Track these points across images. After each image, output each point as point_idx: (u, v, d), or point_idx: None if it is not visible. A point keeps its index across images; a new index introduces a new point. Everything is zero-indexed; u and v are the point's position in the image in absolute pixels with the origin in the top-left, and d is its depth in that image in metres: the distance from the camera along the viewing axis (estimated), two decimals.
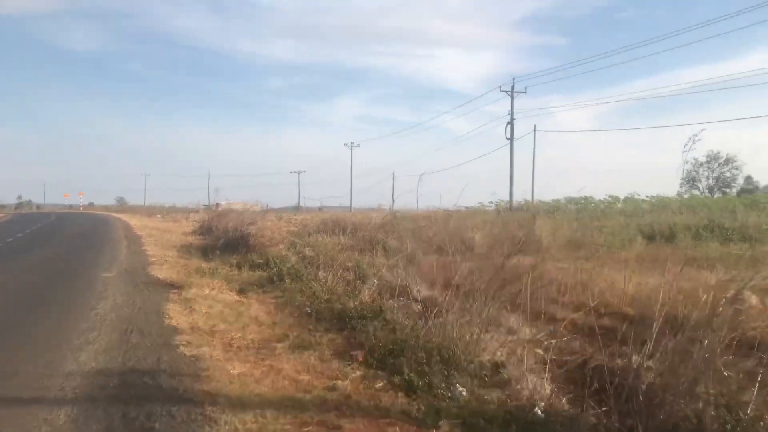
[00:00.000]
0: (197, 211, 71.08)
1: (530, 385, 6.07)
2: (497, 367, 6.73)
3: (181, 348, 7.00)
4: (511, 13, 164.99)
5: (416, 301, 11.92)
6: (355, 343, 7.84)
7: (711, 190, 71.77)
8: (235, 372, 6.09)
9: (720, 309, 5.49)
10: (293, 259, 17.55)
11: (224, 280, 13.19)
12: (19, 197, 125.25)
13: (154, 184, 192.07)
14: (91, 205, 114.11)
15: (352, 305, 10.00)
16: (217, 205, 78.32)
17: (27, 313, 9.11)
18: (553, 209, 39.71)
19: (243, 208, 46.86)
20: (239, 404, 5.09)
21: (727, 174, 74.14)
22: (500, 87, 46.54)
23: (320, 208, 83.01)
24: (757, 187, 66.92)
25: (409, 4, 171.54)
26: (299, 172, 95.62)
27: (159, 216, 59.33)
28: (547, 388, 6.03)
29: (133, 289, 11.59)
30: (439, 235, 22.95)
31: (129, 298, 10.55)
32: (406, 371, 6.28)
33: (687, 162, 64.28)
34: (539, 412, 5.32)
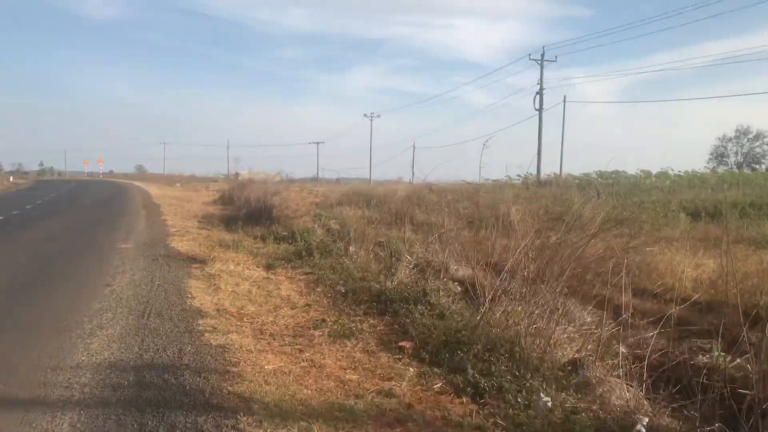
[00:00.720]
0: (216, 181, 70.62)
1: (619, 391, 5.10)
2: (574, 366, 5.76)
3: (206, 335, 6.11)
4: None
5: (458, 281, 11.00)
6: (399, 331, 6.92)
7: (740, 165, 69.62)
8: (270, 368, 5.18)
9: None
10: (319, 232, 16.69)
11: (249, 253, 12.33)
12: (41, 164, 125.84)
13: (173, 153, 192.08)
14: (111, 172, 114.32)
15: (390, 285, 9.07)
16: (237, 174, 77.76)
17: (36, 290, 8.28)
18: (584, 183, 38.37)
19: (263, 178, 46.13)
20: (279, 414, 4.16)
21: (757, 149, 71.94)
22: (529, 56, 44.75)
23: (338, 180, 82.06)
24: None
25: None
26: (318, 143, 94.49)
27: (178, 185, 58.80)
28: (640, 395, 5.06)
29: (152, 262, 10.74)
30: (470, 209, 21.99)
31: (147, 273, 9.70)
32: (471, 371, 5.33)
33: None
34: (643, 429, 4.34)
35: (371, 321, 7.25)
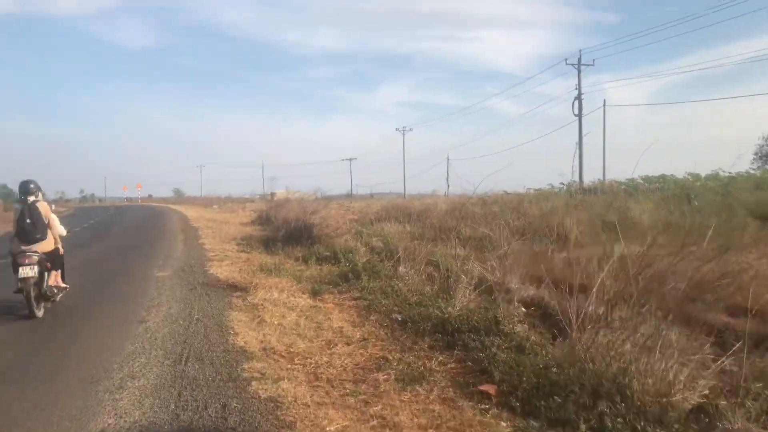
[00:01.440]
0: (253, 201, 70.64)
1: None
2: (702, 413, 4.67)
3: (254, 384, 5.18)
4: None
5: (521, 303, 9.97)
6: (475, 370, 5.91)
7: None
8: (333, 429, 4.23)
9: None
10: (362, 250, 15.80)
11: (292, 278, 11.46)
12: (81, 191, 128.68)
13: (209, 176, 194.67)
14: (149, 197, 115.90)
15: (453, 312, 8.07)
16: (272, 194, 77.74)
17: (63, 330, 7.51)
18: (630, 189, 36.74)
19: (299, 197, 45.63)
20: None
21: None
22: (566, 60, 43.51)
23: (371, 195, 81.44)
24: None
25: None
26: (351, 159, 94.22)
27: (215, 207, 58.80)
28: None
29: (189, 292, 9.94)
30: (519, 221, 20.85)
31: (185, 305, 8.88)
32: (582, 426, 4.29)
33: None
34: None
35: (440, 357, 6.25)
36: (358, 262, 12.96)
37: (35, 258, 8.10)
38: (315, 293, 9.90)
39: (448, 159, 77.56)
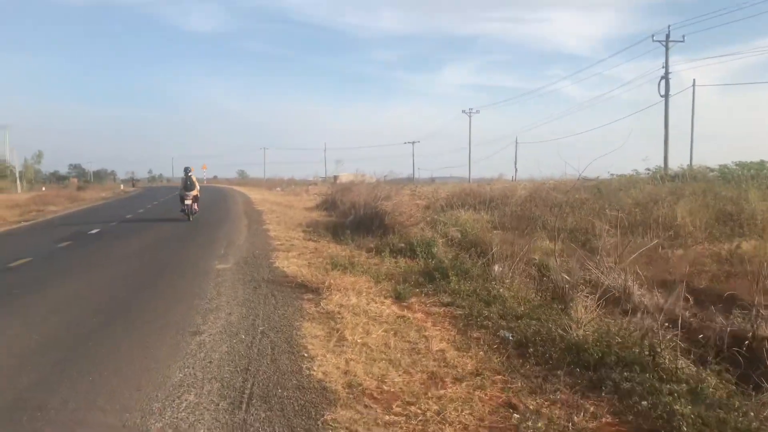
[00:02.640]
0: (315, 184, 69.81)
1: None
2: None
3: None
4: None
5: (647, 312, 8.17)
6: (644, 429, 4.18)
7: None
8: None
9: None
10: (440, 242, 14.13)
11: (368, 275, 9.92)
12: (150, 171, 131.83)
13: (272, 158, 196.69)
14: (214, 178, 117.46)
15: (580, 332, 6.34)
16: (335, 177, 76.82)
17: (102, 343, 6.16)
18: (726, 175, 33.52)
19: (360, 180, 44.17)
20: None
21: None
22: (653, 37, 40.16)
23: (432, 179, 79.34)
24: None
25: None
26: (413, 143, 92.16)
27: (279, 189, 58.26)
28: None
29: (253, 292, 8.51)
30: (611, 210, 18.64)
31: (248, 310, 7.43)
32: None
33: None
34: None
35: (590, 407, 4.52)
36: (444, 258, 11.30)
37: (190, 196, 20.13)
38: (399, 297, 8.30)
39: (516, 142, 74.57)
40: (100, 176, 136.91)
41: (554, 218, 17.50)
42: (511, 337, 6.58)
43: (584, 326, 6.65)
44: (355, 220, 18.77)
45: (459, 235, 15.54)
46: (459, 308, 8.02)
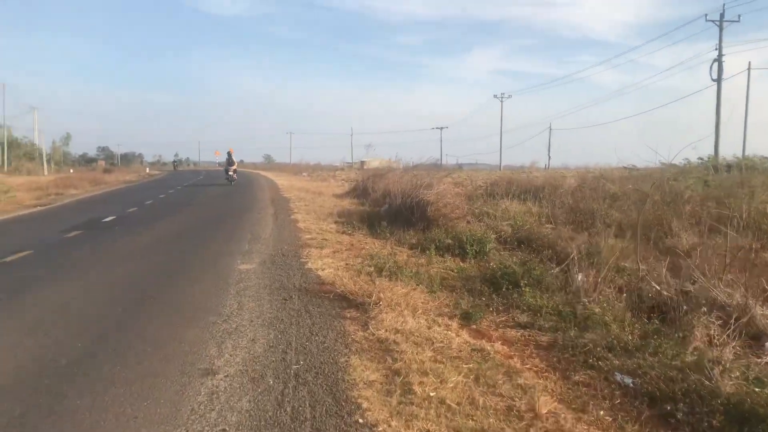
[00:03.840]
0: (342, 169, 68.11)
1: None
2: None
3: None
4: None
5: None
6: None
7: None
8: None
9: None
10: (491, 237, 12.34)
11: (417, 280, 8.21)
12: (176, 155, 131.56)
13: (298, 142, 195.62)
14: (241, 162, 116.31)
15: (730, 384, 4.57)
16: (362, 162, 75.02)
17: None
18: None
19: (385, 165, 42.41)
20: None
21: None
22: (706, 16, 37.50)
23: (460, 166, 77.08)
24: None
25: None
26: (441, 128, 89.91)
27: (305, 174, 56.70)
28: None
29: (282, 306, 6.81)
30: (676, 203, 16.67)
31: (277, 335, 5.73)
32: None
33: None
34: None
35: None
36: (505, 260, 9.52)
37: (231, 170, 35.63)
38: (466, 317, 6.55)
39: (550, 129, 72.01)
40: (127, 159, 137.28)
41: (616, 212, 15.54)
42: (630, 383, 4.82)
43: (728, 370, 4.87)
44: (391, 210, 17.03)
45: (509, 229, 13.71)
46: (543, 332, 6.27)
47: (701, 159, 33.88)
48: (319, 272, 8.64)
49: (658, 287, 8.15)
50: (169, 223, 15.60)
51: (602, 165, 36.33)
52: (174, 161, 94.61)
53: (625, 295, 7.66)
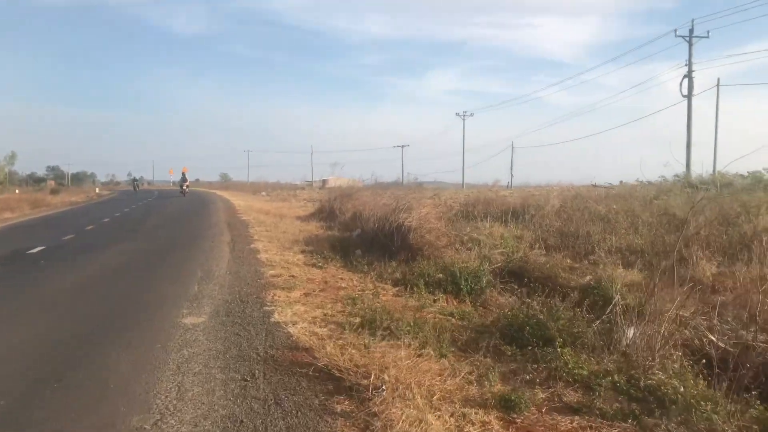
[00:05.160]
0: (303, 188, 65.81)
1: None
2: None
3: None
4: None
5: None
6: None
7: None
8: None
9: None
10: (486, 269, 10.56)
11: (421, 339, 6.27)
12: (129, 174, 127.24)
13: (256, 161, 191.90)
14: (196, 181, 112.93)
15: None
16: (324, 181, 72.81)
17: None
18: (761, 183, 30.17)
19: (349, 184, 40.49)
20: None
21: None
22: (675, 31, 36.94)
23: (419, 184, 75.50)
24: None
25: None
26: (402, 147, 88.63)
27: (264, 193, 54.19)
28: None
29: (241, 393, 4.74)
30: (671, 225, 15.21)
31: None
32: None
33: None
34: None
35: None
36: (534, 309, 7.62)
37: (184, 186, 49.45)
38: (507, 405, 4.61)
39: (512, 147, 71.21)
40: (79, 179, 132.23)
41: (612, 236, 13.89)
42: None
43: None
44: (365, 235, 15.06)
45: (500, 257, 11.87)
46: (608, 421, 4.42)
47: (677, 176, 33.01)
48: (290, 328, 6.59)
49: (713, 338, 6.43)
50: (107, 255, 13.28)
51: (564, 183, 35.34)
52: (134, 180, 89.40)
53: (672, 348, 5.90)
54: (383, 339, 6.11)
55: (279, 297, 8.29)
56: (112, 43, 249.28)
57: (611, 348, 6.17)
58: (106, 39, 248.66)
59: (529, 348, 6.20)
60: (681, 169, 36.24)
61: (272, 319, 7.05)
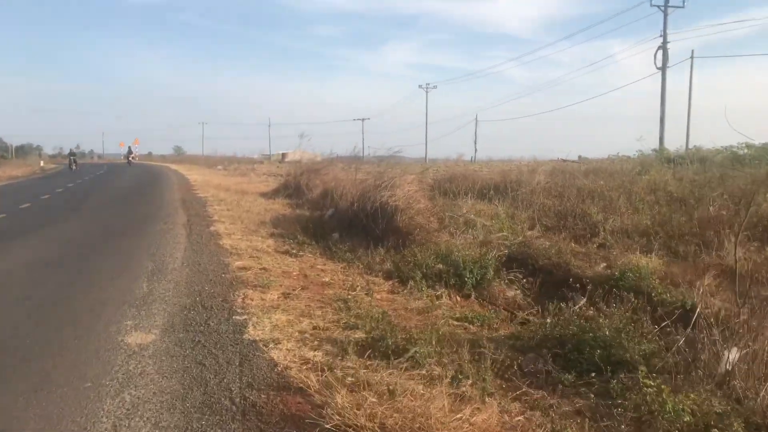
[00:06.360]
0: (262, 162, 63.21)
1: None
2: None
3: None
4: None
5: None
6: None
7: None
8: None
9: None
10: (491, 258, 9.00)
11: (453, 369, 4.66)
12: (78, 147, 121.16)
13: (211, 133, 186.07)
14: (149, 154, 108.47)
15: None
16: (283, 155, 70.22)
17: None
18: (737, 159, 29.47)
19: (309, 158, 38.49)
20: None
21: None
22: (651, 1, 35.80)
23: (380, 159, 73.73)
24: None
25: None
26: (363, 120, 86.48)
27: (220, 167, 51.47)
28: None
29: None
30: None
31: None
32: None
33: None
34: None
35: None
36: (599, 322, 6.02)
37: (130, 158, 61.06)
38: None
39: (476, 120, 69.93)
40: (24, 151, 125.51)
41: (614, 216, 12.50)
42: None
43: None
44: (341, 216, 13.32)
45: (506, 242, 10.36)
46: None
47: (655, 150, 32.16)
48: (273, 352, 4.87)
49: None
50: (42, 241, 11.21)
51: (527, 157, 34.15)
52: (72, 155, 61.51)
53: None
54: (403, 369, 4.47)
55: (252, 300, 6.54)
56: (60, 10, 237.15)
57: (700, 374, 4.69)
58: (55, 6, 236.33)
59: (593, 375, 4.70)
60: (654, 144, 35.49)
61: (246, 336, 5.31)
